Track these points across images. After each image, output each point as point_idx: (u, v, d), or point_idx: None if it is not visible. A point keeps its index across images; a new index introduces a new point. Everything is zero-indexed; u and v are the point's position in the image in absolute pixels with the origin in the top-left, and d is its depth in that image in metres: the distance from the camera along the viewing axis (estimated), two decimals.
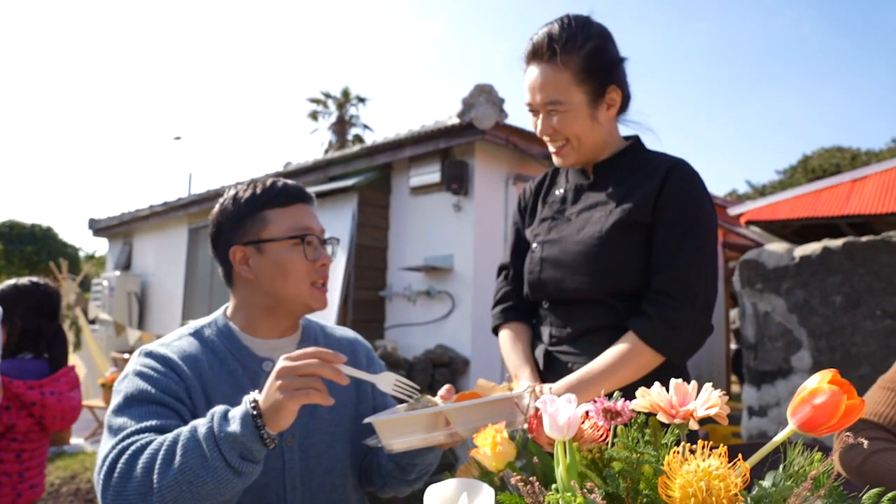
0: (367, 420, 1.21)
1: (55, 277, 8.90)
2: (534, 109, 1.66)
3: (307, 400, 1.07)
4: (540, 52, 1.61)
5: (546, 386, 1.52)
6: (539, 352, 1.68)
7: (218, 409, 1.13)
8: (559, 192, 1.76)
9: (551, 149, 1.68)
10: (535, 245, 1.72)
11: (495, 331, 1.86)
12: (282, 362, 1.10)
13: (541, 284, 1.67)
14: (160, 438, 1.14)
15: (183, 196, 10.50)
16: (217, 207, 1.46)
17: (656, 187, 1.56)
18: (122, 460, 1.13)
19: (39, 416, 2.63)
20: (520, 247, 1.85)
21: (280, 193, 1.43)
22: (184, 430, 1.13)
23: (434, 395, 1.32)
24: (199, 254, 10.28)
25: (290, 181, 1.48)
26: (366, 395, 1.54)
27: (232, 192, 1.46)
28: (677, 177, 1.57)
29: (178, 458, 1.09)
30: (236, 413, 1.10)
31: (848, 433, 0.76)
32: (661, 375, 1.15)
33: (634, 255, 1.55)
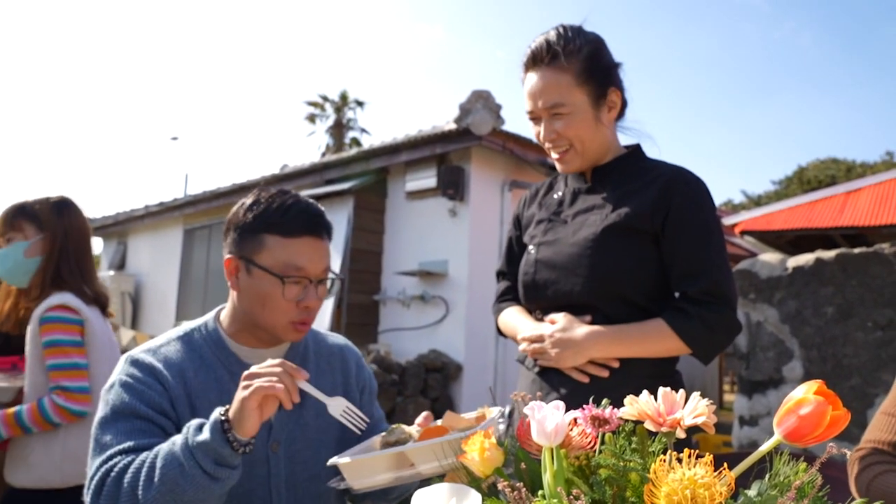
0: (330, 462, 1.17)
1: None
2: (535, 116, 1.66)
3: (264, 392, 1.12)
4: (539, 58, 1.62)
5: (565, 318, 1.58)
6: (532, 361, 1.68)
7: (192, 423, 1.18)
8: (557, 195, 1.77)
9: (554, 155, 1.68)
10: (531, 247, 1.73)
11: (497, 323, 1.87)
12: (245, 374, 1.17)
13: (535, 286, 1.67)
14: (142, 456, 1.19)
15: (179, 196, 10.50)
16: (235, 206, 1.43)
17: (655, 195, 1.57)
18: (107, 482, 1.18)
19: None
20: (514, 254, 1.86)
21: (289, 222, 1.36)
22: (162, 446, 1.18)
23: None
24: (194, 255, 10.27)
25: (311, 206, 1.41)
26: (353, 403, 1.53)
27: (252, 197, 1.41)
28: (684, 183, 1.58)
29: (157, 472, 1.14)
30: (207, 423, 1.15)
31: (845, 450, 0.77)
32: (657, 382, 1.14)
33: (628, 261, 1.56)
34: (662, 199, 1.56)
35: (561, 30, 1.64)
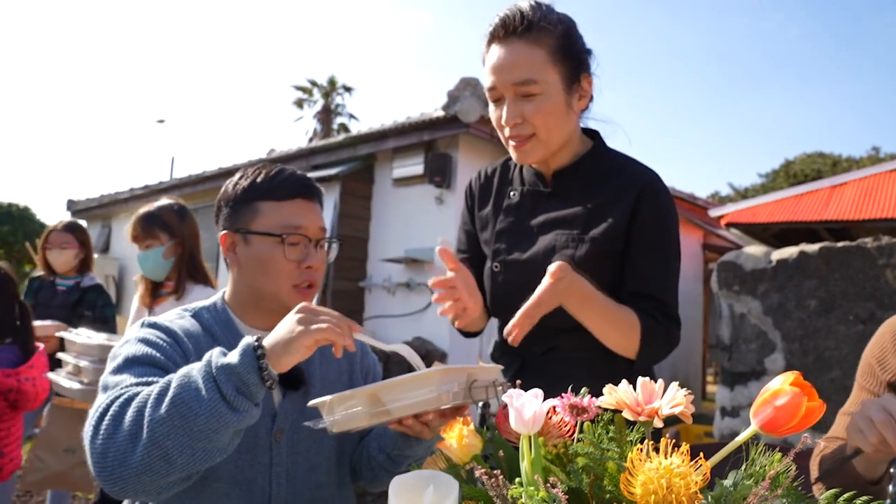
0: (310, 403, 1.16)
1: (31, 258, 8.82)
2: (498, 96, 1.48)
3: (323, 335, 1.04)
4: (511, 27, 1.44)
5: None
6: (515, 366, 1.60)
7: (215, 349, 1.08)
8: (514, 195, 1.62)
9: (511, 143, 1.51)
10: (496, 264, 1.60)
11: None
12: (302, 305, 1.09)
13: (507, 310, 1.52)
14: (154, 385, 1.08)
15: (164, 180, 10.43)
16: (223, 187, 1.44)
17: (627, 211, 1.47)
18: (115, 405, 1.08)
19: (14, 400, 2.73)
20: (470, 251, 1.72)
21: (279, 186, 1.38)
22: (178, 371, 1.07)
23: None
24: None
25: (298, 173, 1.42)
26: (357, 379, 1.52)
27: (240, 174, 1.43)
28: (654, 195, 1.49)
29: (170, 392, 1.03)
30: (236, 348, 1.06)
31: (819, 441, 0.77)
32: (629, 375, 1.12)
33: (606, 281, 1.47)
34: (634, 213, 1.47)
35: (534, 2, 1.47)
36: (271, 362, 1.04)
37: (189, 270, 2.74)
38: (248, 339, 1.05)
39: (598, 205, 1.50)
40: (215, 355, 1.06)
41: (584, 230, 1.49)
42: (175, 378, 1.06)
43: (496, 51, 1.46)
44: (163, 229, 2.74)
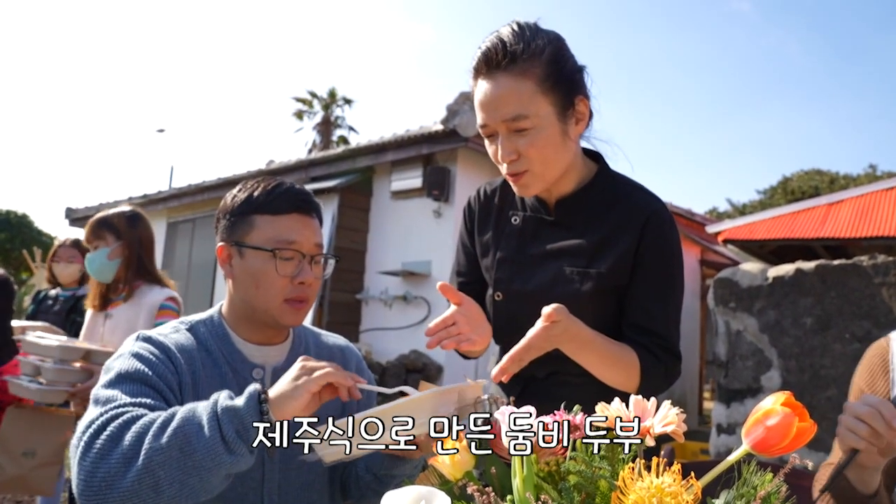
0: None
1: (28, 266, 8.81)
2: (491, 132, 1.42)
3: (331, 379, 1.09)
4: (494, 61, 1.37)
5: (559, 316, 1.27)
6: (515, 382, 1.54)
7: (223, 392, 1.11)
8: (515, 220, 1.58)
9: (510, 178, 1.46)
10: (498, 294, 1.56)
11: None
12: (303, 358, 1.14)
13: (510, 339, 1.48)
14: (157, 413, 1.10)
15: (163, 189, 10.44)
16: (224, 199, 1.45)
17: (634, 243, 1.44)
18: (113, 425, 1.08)
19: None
20: (471, 275, 1.68)
21: (275, 200, 1.37)
22: (183, 406, 1.10)
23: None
24: (177, 248, 10.20)
25: (296, 187, 1.42)
26: (351, 408, 1.51)
27: (240, 186, 1.44)
28: (659, 226, 1.46)
29: (172, 425, 1.05)
30: (242, 393, 1.08)
31: (808, 461, 0.78)
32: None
33: (609, 314, 1.46)
34: (639, 245, 1.44)
35: (516, 27, 1.39)
36: (273, 410, 1.06)
37: (139, 272, 2.80)
38: (254, 386, 1.08)
39: (603, 237, 1.46)
40: (222, 397, 1.08)
41: (589, 264, 1.46)
42: (180, 411, 1.08)
43: (482, 87, 1.39)
44: (110, 231, 2.80)
